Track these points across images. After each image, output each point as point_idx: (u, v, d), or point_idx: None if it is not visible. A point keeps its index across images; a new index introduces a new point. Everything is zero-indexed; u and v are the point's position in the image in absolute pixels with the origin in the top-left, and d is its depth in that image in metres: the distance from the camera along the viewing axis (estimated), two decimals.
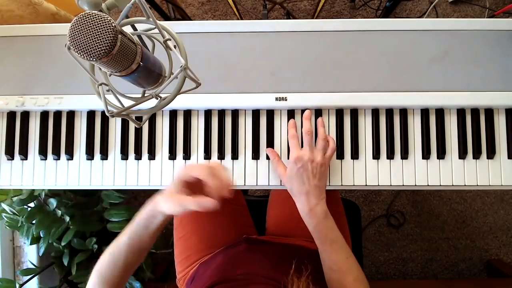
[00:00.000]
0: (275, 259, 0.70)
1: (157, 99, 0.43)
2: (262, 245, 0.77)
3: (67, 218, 1.07)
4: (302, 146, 0.65)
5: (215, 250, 0.78)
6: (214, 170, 0.49)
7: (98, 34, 0.31)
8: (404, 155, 0.67)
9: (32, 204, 1.09)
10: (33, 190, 1.04)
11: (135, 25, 0.45)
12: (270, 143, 0.68)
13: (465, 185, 0.67)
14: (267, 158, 0.68)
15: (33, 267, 1.18)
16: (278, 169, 0.66)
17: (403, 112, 0.68)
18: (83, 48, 0.31)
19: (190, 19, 1.33)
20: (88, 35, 0.31)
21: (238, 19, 1.35)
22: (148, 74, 0.41)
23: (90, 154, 0.69)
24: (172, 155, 0.69)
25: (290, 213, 0.82)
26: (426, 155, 0.67)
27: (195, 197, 0.46)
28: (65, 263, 1.11)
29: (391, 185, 0.67)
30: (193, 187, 0.50)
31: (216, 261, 0.73)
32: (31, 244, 1.08)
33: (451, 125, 0.68)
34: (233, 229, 0.82)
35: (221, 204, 0.45)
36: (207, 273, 0.71)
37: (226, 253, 0.75)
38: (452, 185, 0.67)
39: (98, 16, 0.31)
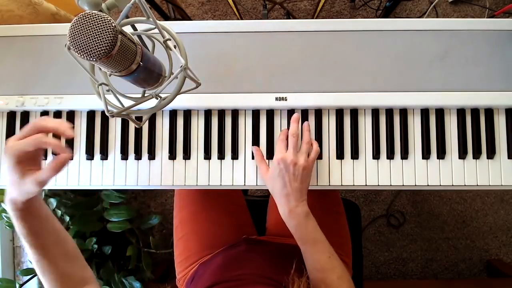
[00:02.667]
0: (275, 259, 0.70)
1: (157, 99, 0.43)
2: (262, 246, 0.77)
3: (67, 218, 1.07)
4: None
5: (215, 251, 0.78)
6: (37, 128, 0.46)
7: (98, 34, 0.31)
8: (404, 155, 0.67)
9: None
10: None
11: (135, 25, 0.45)
12: (270, 143, 0.68)
13: (465, 185, 0.67)
14: (268, 158, 0.68)
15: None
16: (260, 168, 0.66)
17: (403, 112, 0.68)
18: (83, 48, 0.31)
19: (190, 19, 1.33)
20: (88, 35, 0.31)
21: (238, 19, 1.35)
22: (148, 74, 0.41)
23: (90, 154, 0.69)
24: (172, 155, 0.69)
25: None
26: (426, 155, 0.67)
27: (47, 166, 0.46)
28: None
29: (391, 185, 0.67)
30: (31, 162, 0.48)
31: (216, 261, 0.73)
32: None
33: (451, 125, 0.68)
34: (233, 229, 0.82)
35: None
36: (207, 274, 0.71)
37: (226, 254, 0.75)
38: (452, 185, 0.67)
39: (98, 16, 0.31)
